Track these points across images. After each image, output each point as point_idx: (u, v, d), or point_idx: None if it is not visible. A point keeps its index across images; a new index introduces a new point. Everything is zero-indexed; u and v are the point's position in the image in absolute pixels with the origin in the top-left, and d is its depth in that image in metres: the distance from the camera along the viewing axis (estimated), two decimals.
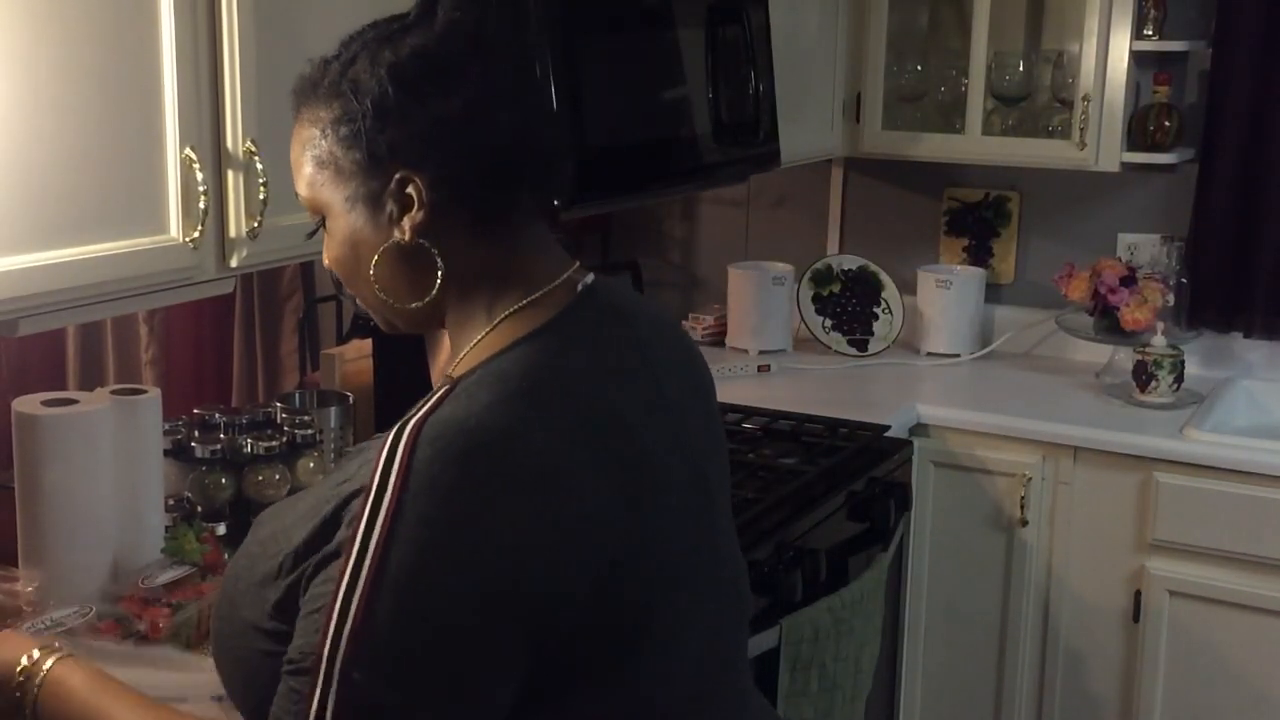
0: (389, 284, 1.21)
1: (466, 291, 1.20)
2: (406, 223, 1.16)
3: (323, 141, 1.18)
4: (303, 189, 1.22)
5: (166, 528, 1.85)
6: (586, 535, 1.09)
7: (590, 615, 1.10)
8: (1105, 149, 3.01)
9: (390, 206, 1.17)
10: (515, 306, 1.19)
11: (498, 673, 1.07)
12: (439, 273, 1.18)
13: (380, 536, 1.04)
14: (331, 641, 1.04)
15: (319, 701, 1.04)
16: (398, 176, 1.16)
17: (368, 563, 1.04)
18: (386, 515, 1.05)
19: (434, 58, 1.16)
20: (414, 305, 1.21)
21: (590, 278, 1.24)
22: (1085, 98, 2.99)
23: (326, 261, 1.24)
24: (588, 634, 1.10)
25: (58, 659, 1.28)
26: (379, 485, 1.06)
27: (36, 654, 1.28)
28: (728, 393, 3.09)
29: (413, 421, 1.09)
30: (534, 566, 1.06)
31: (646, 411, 1.20)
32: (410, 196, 1.16)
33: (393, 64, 1.16)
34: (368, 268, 1.20)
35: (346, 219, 1.20)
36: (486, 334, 1.19)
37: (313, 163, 1.20)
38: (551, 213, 1.28)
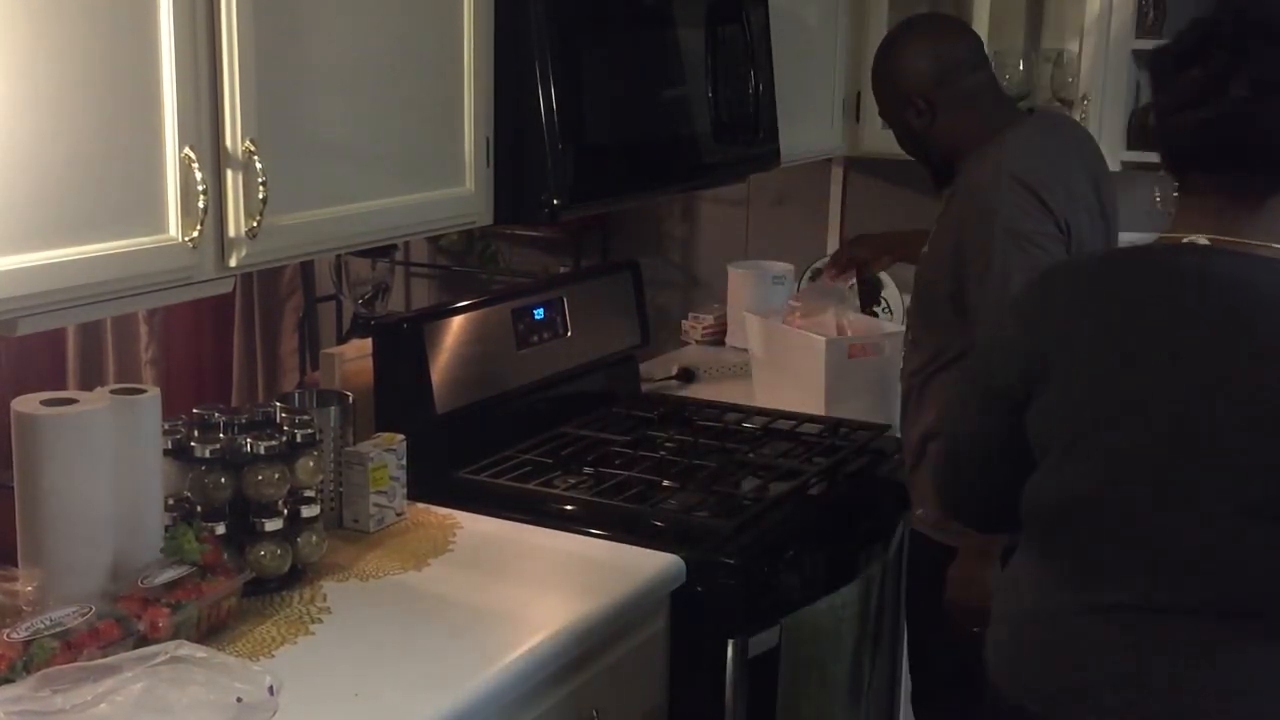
0: None
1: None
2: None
3: None
4: None
5: (166, 527, 1.85)
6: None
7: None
8: (1106, 148, 2.99)
9: None
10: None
11: None
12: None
13: None
14: None
15: None
16: None
17: None
18: None
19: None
20: None
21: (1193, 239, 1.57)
22: (1085, 97, 2.98)
23: None
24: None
25: None
26: None
27: None
28: (728, 392, 3.10)
29: None
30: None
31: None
32: None
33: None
34: None
35: None
36: None
37: None
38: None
